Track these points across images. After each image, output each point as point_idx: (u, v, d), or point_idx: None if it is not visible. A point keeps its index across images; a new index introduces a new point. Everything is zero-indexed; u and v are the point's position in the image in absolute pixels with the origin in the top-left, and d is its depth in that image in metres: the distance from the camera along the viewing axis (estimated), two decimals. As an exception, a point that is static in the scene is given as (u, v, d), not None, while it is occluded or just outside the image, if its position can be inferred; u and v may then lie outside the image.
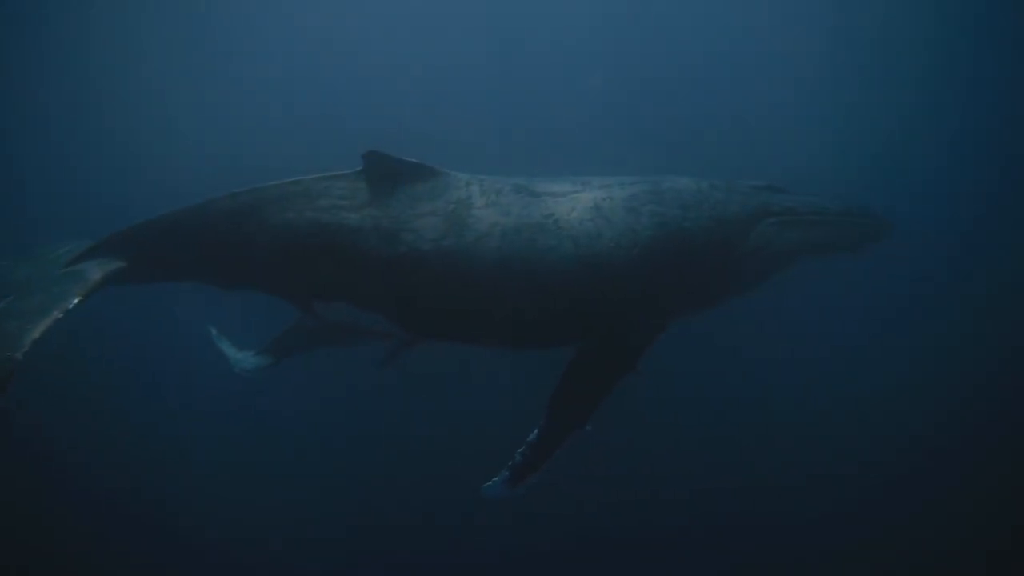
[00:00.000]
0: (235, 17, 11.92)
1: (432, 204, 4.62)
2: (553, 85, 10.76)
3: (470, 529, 6.40)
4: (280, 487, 7.25)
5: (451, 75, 11.17)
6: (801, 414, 7.59)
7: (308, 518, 7.13)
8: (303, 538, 7.03)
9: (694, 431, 7.42)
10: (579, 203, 4.66)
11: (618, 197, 4.72)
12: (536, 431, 4.50)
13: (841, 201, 5.19)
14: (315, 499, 7.17)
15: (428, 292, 4.58)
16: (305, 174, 4.74)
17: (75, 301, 4.30)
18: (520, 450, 4.46)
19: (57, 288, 4.44)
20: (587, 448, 4.66)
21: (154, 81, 11.44)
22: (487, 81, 11.14)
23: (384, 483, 7.06)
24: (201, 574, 6.84)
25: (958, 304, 8.27)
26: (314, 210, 4.62)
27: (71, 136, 11.35)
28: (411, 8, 11.91)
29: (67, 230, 5.43)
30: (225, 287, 5.13)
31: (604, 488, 6.92)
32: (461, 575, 6.83)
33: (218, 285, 5.12)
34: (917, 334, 8.04)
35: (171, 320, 7.21)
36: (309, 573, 6.95)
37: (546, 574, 6.88)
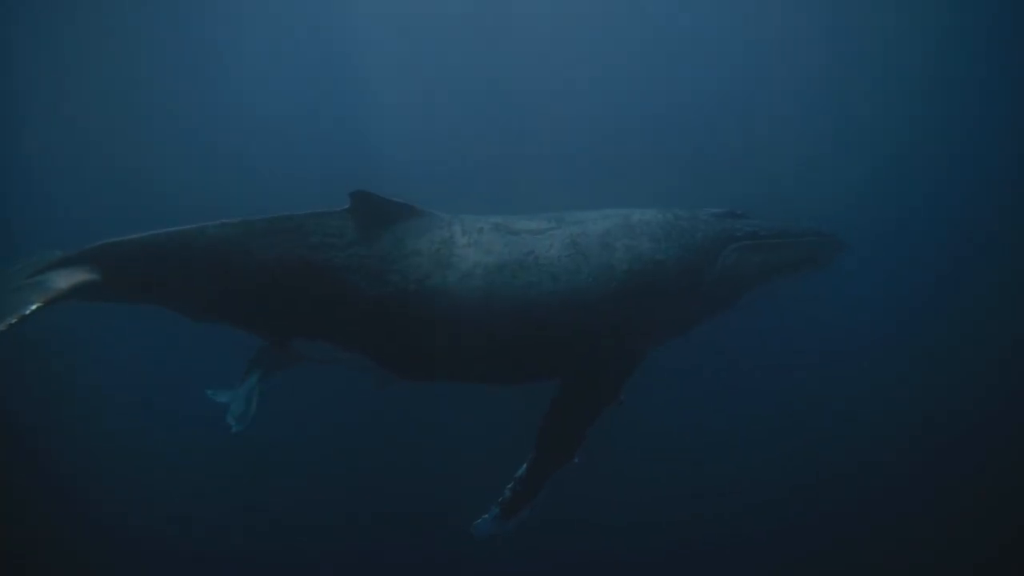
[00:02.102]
0: (226, 38, 11.94)
1: (416, 244, 4.70)
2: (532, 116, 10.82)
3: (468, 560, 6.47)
4: (275, 500, 7.23)
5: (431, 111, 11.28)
6: (805, 417, 7.62)
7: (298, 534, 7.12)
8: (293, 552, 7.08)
9: (697, 435, 7.46)
10: (556, 240, 4.80)
11: (592, 233, 4.88)
12: (525, 466, 4.59)
13: (798, 223, 5.45)
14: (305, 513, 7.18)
15: (413, 332, 4.66)
16: (295, 210, 4.71)
17: (33, 308, 4.20)
18: (509, 486, 4.54)
19: (16, 296, 4.33)
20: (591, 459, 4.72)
21: (140, 98, 11.39)
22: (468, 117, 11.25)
23: (380, 503, 7.03)
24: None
25: (960, 304, 8.28)
26: (304, 247, 4.63)
27: (46, 148, 11.25)
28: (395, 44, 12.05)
29: (41, 242, 5.27)
30: (198, 317, 5.02)
31: (608, 495, 6.94)
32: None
33: (192, 314, 5.01)
34: (918, 335, 8.04)
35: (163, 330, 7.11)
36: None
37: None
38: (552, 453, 4.60)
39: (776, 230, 5.31)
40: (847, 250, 5.60)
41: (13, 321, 4.07)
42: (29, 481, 7.32)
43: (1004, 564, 6.29)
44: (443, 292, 4.57)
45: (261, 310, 4.87)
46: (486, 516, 4.49)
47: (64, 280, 4.54)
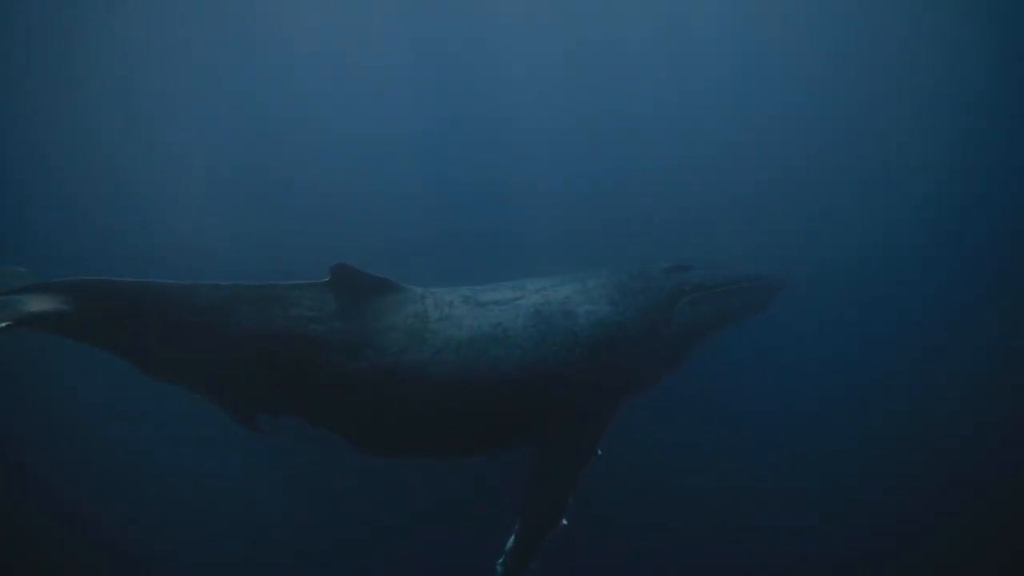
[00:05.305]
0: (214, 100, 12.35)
1: (392, 319, 4.81)
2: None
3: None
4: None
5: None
6: (816, 443, 7.49)
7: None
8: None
9: (708, 464, 7.29)
10: (522, 310, 4.97)
11: (554, 300, 5.06)
12: (513, 537, 4.56)
13: (739, 268, 5.71)
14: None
15: (387, 407, 4.73)
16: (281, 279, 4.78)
17: (1, 326, 4.22)
18: (500, 560, 4.49)
19: None
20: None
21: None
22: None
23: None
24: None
25: (974, 336, 8.34)
26: (285, 318, 4.68)
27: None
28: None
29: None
30: (161, 375, 4.90)
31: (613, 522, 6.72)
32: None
33: (155, 371, 4.88)
34: (931, 370, 8.03)
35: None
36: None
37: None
38: (539, 519, 4.59)
39: (720, 278, 5.57)
40: (786, 289, 5.84)
41: None
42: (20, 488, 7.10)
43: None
44: (418, 367, 4.68)
45: (234, 378, 4.84)
46: None
47: (38, 305, 4.49)
